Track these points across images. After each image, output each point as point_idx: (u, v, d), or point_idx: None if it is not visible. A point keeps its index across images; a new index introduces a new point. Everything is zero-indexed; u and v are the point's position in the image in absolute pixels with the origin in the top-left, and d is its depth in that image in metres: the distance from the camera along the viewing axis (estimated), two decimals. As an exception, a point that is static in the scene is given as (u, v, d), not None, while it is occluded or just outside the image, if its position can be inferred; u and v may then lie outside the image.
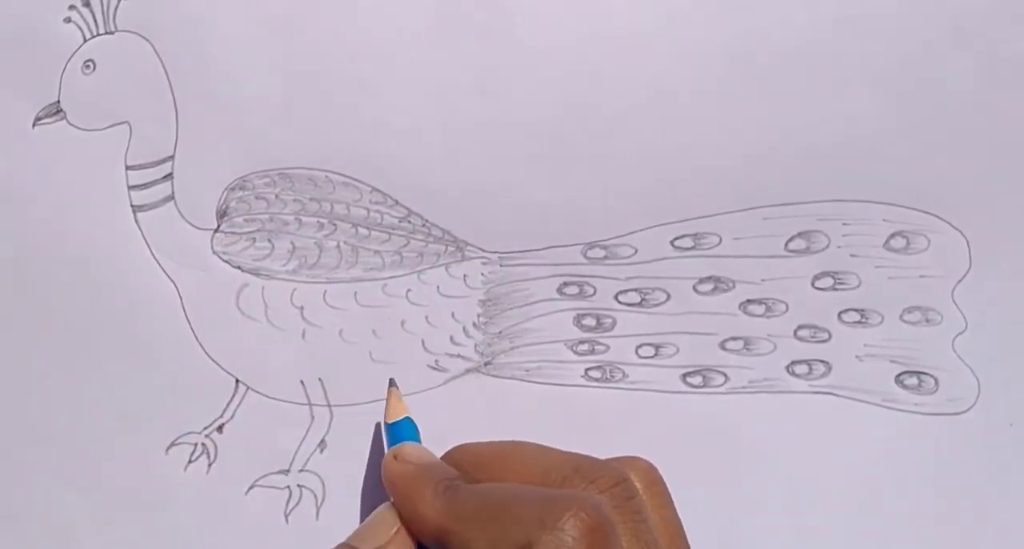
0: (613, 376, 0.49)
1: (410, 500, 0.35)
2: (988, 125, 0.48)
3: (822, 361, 0.49)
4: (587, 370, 0.49)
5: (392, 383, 0.47)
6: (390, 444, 0.44)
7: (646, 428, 0.48)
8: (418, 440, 0.42)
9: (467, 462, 0.37)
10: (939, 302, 0.48)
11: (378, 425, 0.47)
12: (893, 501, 0.48)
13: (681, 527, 0.36)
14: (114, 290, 0.49)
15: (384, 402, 0.47)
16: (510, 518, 0.32)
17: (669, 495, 0.37)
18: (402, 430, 0.43)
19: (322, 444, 0.49)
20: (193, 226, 0.49)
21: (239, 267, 0.49)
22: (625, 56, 0.48)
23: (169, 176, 0.49)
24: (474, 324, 0.49)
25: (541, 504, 0.32)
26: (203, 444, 0.49)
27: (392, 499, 0.38)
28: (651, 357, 0.49)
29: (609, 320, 0.49)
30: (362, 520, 0.46)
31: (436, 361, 0.49)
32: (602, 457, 0.38)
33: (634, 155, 0.48)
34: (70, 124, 0.49)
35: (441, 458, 0.40)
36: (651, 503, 0.36)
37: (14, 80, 0.49)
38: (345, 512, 0.48)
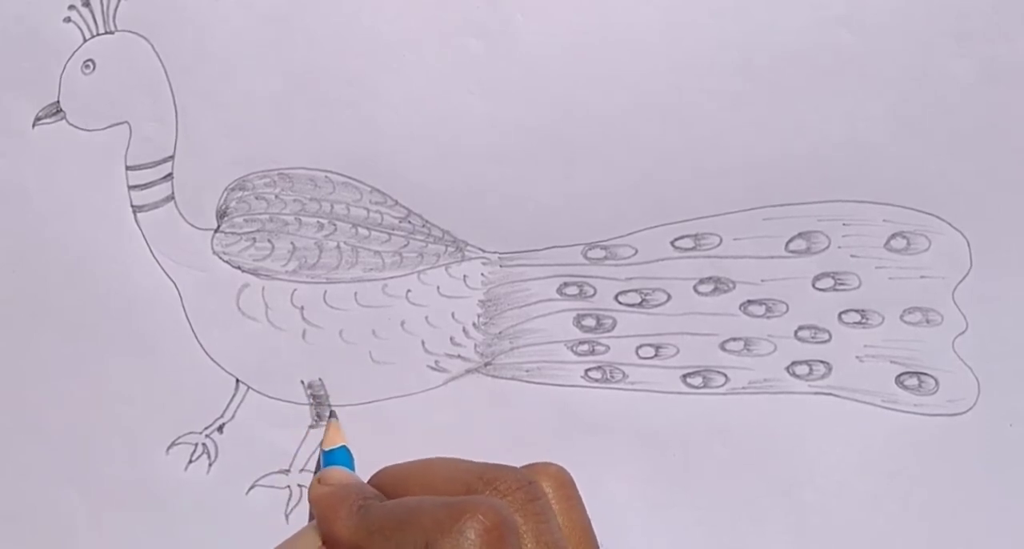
0: (613, 377, 0.49)
1: (327, 520, 0.38)
2: (989, 125, 0.48)
3: (822, 362, 0.49)
4: (587, 371, 0.49)
5: (333, 415, 0.48)
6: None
7: (646, 429, 0.48)
8: (351, 468, 0.44)
9: (387, 482, 0.39)
10: (940, 303, 0.48)
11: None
12: (893, 502, 0.48)
13: (589, 528, 0.38)
14: (114, 290, 0.49)
15: (383, 403, 0.47)
16: (413, 526, 0.34)
17: (579, 498, 0.39)
18: (336, 458, 0.45)
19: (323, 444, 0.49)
20: (193, 226, 0.49)
21: (239, 267, 0.49)
22: (625, 56, 0.48)
23: (169, 176, 0.49)
24: (474, 324, 0.49)
25: (442, 510, 0.34)
26: (203, 444, 0.49)
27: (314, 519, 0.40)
28: (651, 358, 0.49)
29: (609, 320, 0.49)
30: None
31: (436, 361, 0.49)
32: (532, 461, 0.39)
33: (634, 155, 0.48)
34: (70, 124, 0.49)
35: (367, 481, 0.41)
36: (560, 506, 0.38)
37: (14, 80, 0.49)
38: (345, 512, 0.49)
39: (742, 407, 0.49)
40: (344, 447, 0.45)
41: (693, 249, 0.49)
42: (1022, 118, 0.48)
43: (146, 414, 0.49)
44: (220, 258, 0.49)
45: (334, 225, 0.49)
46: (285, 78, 0.49)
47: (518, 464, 0.47)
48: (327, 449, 0.45)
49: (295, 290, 0.49)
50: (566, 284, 0.49)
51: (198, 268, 0.49)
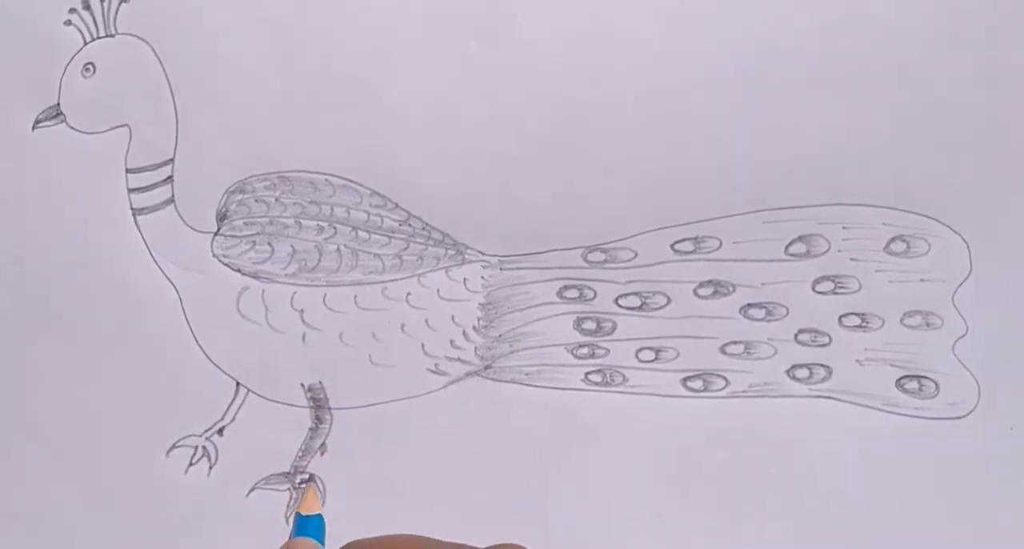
0: (613, 380, 0.49)
1: None
2: (988, 129, 0.48)
3: (823, 365, 0.49)
4: (587, 374, 0.49)
5: (312, 479, 0.48)
6: (293, 535, 0.45)
7: (646, 432, 0.48)
8: (321, 538, 0.44)
9: None
10: (940, 306, 0.48)
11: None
12: (894, 505, 0.48)
13: None
14: (114, 293, 0.49)
15: (383, 406, 0.47)
16: None
17: None
18: (309, 525, 0.45)
19: (322, 447, 0.49)
20: (193, 229, 0.49)
21: (239, 270, 0.49)
22: (626, 60, 0.48)
23: (169, 179, 0.49)
24: (474, 327, 0.49)
25: None
26: (204, 447, 0.49)
27: None
28: (651, 361, 0.49)
29: (609, 324, 0.49)
30: (362, 522, 0.46)
31: (436, 364, 0.49)
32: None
33: (634, 158, 0.48)
34: (70, 127, 0.49)
35: None
36: None
37: (14, 82, 0.49)
38: (346, 514, 0.49)
39: (742, 410, 0.49)
40: (319, 516, 0.45)
41: (693, 252, 0.49)
42: (1021, 121, 0.48)
43: (146, 417, 0.49)
44: (220, 261, 0.49)
45: (334, 228, 0.49)
46: (285, 81, 0.49)
47: (519, 468, 0.47)
48: (304, 514, 0.46)
49: (295, 293, 0.49)
50: (566, 287, 0.49)
51: (198, 271, 0.49)
